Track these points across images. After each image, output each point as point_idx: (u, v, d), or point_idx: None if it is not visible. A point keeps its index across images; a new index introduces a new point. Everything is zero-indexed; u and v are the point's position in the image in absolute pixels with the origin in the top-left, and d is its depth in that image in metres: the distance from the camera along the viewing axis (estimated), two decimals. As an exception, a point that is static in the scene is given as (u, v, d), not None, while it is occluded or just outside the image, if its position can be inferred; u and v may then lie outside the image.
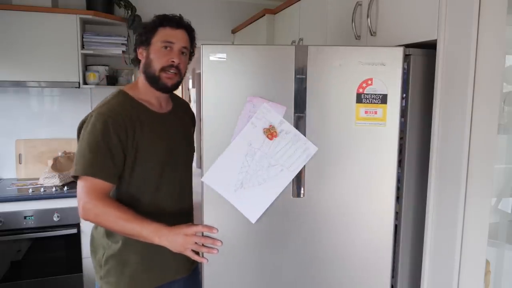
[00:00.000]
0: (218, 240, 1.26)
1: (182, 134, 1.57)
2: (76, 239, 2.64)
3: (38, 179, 2.90)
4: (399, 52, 1.21)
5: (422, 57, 1.27)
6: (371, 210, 1.28)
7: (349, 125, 1.25)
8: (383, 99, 1.24)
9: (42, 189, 2.69)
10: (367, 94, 1.26)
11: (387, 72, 1.23)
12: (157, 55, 1.40)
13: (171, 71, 1.40)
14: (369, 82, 1.26)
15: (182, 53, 1.44)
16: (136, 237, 1.29)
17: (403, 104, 1.28)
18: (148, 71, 1.42)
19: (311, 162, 1.25)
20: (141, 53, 1.45)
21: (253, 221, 1.28)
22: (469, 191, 1.13)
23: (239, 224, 1.29)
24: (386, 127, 1.23)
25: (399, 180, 1.31)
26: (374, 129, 1.25)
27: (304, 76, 1.24)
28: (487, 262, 1.22)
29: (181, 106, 1.65)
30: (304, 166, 1.26)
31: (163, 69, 1.39)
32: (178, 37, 1.43)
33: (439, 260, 1.21)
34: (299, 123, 1.26)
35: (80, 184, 1.32)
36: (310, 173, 1.27)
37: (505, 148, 1.44)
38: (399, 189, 1.31)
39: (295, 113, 1.26)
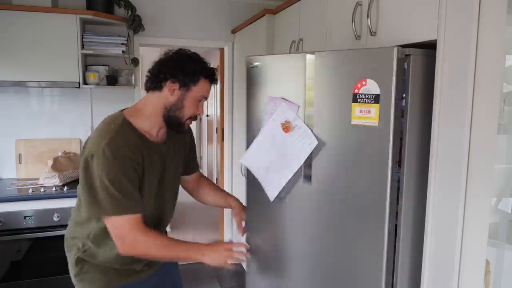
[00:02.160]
0: (247, 252, 1.60)
1: (174, 165, 1.55)
2: (76, 239, 2.64)
3: (38, 179, 2.90)
4: (392, 52, 1.22)
5: (422, 57, 1.27)
6: (366, 204, 1.31)
7: (346, 123, 1.33)
8: (376, 99, 1.27)
9: (42, 189, 2.69)
10: (361, 94, 1.31)
11: (380, 72, 1.26)
12: (192, 104, 1.41)
13: (194, 120, 1.48)
14: (364, 82, 1.30)
15: None
16: (183, 259, 1.42)
17: (404, 104, 1.28)
18: (174, 113, 1.40)
19: (320, 154, 1.41)
20: (173, 89, 1.38)
21: (272, 199, 1.55)
22: (469, 191, 1.13)
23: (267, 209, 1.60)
24: (378, 127, 1.27)
25: (399, 180, 1.31)
26: (367, 128, 1.30)
27: (311, 81, 1.41)
28: (487, 262, 1.23)
29: (175, 135, 1.59)
30: (312, 157, 1.42)
31: (189, 118, 1.44)
32: (210, 92, 1.48)
33: (439, 260, 1.21)
34: (307, 119, 1.44)
35: (116, 222, 1.32)
36: (317, 164, 1.42)
37: (505, 148, 1.44)
38: (399, 189, 1.31)
39: (304, 110, 1.44)
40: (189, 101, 1.40)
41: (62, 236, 2.60)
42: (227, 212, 3.79)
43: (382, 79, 1.26)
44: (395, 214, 1.32)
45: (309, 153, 1.41)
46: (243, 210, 1.76)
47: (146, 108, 1.42)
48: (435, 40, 1.19)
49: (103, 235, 1.40)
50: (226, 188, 3.76)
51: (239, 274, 3.49)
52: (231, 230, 3.75)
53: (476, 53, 1.08)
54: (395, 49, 1.22)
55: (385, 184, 1.29)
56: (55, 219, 2.59)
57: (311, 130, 1.41)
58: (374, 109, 1.29)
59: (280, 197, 1.55)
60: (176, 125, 1.43)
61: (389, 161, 1.27)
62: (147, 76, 1.43)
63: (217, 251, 1.42)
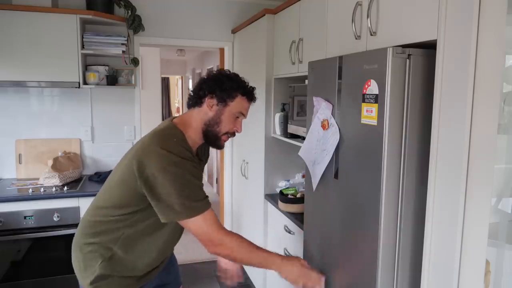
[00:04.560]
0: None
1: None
2: (76, 239, 2.64)
3: (38, 179, 2.90)
4: (388, 52, 1.24)
5: (422, 57, 1.27)
6: (366, 204, 1.31)
7: (358, 122, 1.42)
8: (376, 98, 1.31)
9: (42, 189, 2.69)
10: (367, 94, 1.36)
11: (379, 73, 1.29)
12: (229, 119, 1.47)
13: (230, 137, 1.53)
14: (369, 83, 1.33)
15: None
16: (260, 266, 1.42)
17: (405, 104, 1.28)
18: (212, 128, 1.47)
19: (344, 152, 1.52)
20: (211, 105, 1.46)
21: (314, 189, 1.74)
22: (469, 191, 1.12)
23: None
24: (377, 126, 1.31)
25: (399, 180, 1.31)
26: (370, 127, 1.35)
27: (340, 80, 1.53)
28: (487, 262, 1.23)
29: (204, 152, 1.67)
30: (339, 157, 1.56)
31: (226, 133, 1.50)
32: (247, 110, 1.54)
33: (439, 260, 1.21)
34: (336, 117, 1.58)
35: (196, 222, 1.35)
36: (342, 161, 1.53)
37: (505, 148, 1.44)
38: (399, 189, 1.32)
39: (333, 109, 1.58)
40: (226, 116, 1.46)
41: (62, 236, 2.62)
42: (227, 212, 3.79)
43: (381, 80, 1.28)
44: (394, 215, 1.32)
45: (334, 148, 1.55)
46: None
47: (191, 122, 1.49)
48: (435, 40, 1.19)
49: (134, 240, 1.44)
50: (226, 188, 3.77)
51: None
52: (231, 230, 3.75)
53: (476, 53, 1.08)
54: (389, 50, 1.24)
55: (380, 185, 1.29)
56: (55, 219, 2.59)
57: (339, 129, 1.54)
58: (374, 108, 1.31)
59: (318, 187, 1.72)
60: (214, 140, 1.50)
61: (384, 160, 1.28)
62: (189, 95, 1.53)
63: (293, 265, 1.46)
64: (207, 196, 1.39)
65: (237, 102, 1.47)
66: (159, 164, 1.31)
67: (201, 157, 1.62)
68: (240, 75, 1.54)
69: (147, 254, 1.50)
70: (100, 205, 1.48)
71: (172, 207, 1.32)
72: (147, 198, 1.36)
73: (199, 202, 1.35)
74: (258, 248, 1.43)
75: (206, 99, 1.46)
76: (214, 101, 1.45)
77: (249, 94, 1.50)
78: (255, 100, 1.54)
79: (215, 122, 1.46)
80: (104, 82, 3.07)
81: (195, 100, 1.49)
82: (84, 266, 1.47)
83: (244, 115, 1.51)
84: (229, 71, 1.54)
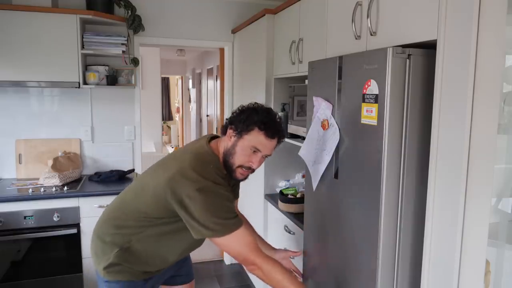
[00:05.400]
0: None
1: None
2: (76, 239, 2.64)
3: (38, 179, 2.90)
4: (387, 52, 1.24)
5: (422, 57, 1.27)
6: (366, 203, 1.30)
7: (358, 122, 1.42)
8: (376, 98, 1.31)
9: (42, 189, 2.69)
10: (367, 94, 1.36)
11: (379, 73, 1.29)
12: (242, 152, 1.45)
13: (247, 171, 1.49)
14: (369, 83, 1.33)
15: (263, 156, 1.49)
16: None
17: (405, 104, 1.28)
18: (228, 158, 1.47)
19: (344, 152, 1.52)
20: (230, 136, 1.48)
21: (314, 189, 1.74)
22: (469, 191, 1.12)
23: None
24: (377, 126, 1.31)
25: (400, 180, 1.31)
26: (369, 126, 1.35)
27: (340, 80, 1.54)
28: (487, 262, 1.22)
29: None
30: (339, 157, 1.56)
31: (240, 166, 1.47)
32: (267, 147, 1.46)
33: (439, 260, 1.21)
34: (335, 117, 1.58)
35: (229, 240, 1.38)
36: (342, 161, 1.54)
37: (505, 148, 1.44)
38: (399, 189, 1.32)
39: (333, 109, 1.59)
40: (240, 148, 1.44)
41: (62, 236, 2.62)
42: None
43: (381, 79, 1.27)
44: (394, 215, 1.32)
45: (334, 148, 1.56)
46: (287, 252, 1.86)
47: (220, 150, 1.52)
48: (435, 40, 1.19)
49: (155, 239, 1.49)
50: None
51: (239, 274, 3.49)
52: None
53: (476, 53, 1.08)
54: (389, 50, 1.24)
55: (380, 185, 1.29)
56: (55, 219, 2.59)
57: (339, 129, 1.55)
58: (374, 108, 1.31)
59: (318, 187, 1.73)
60: (229, 171, 1.49)
61: (384, 160, 1.28)
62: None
63: None
64: (237, 216, 1.42)
65: (253, 136, 1.43)
66: (194, 187, 1.34)
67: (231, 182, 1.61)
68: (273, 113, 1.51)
69: (163, 255, 1.55)
70: (133, 205, 1.52)
71: (205, 225, 1.36)
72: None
73: (231, 220, 1.38)
74: (288, 279, 1.41)
75: (229, 128, 1.48)
76: (233, 131, 1.46)
77: (268, 130, 1.43)
78: (275, 138, 1.46)
79: (230, 153, 1.46)
80: (104, 82, 3.07)
81: (224, 128, 1.52)
82: (101, 252, 1.54)
83: (260, 150, 1.45)
84: (264, 105, 1.51)
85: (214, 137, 1.59)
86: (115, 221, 1.54)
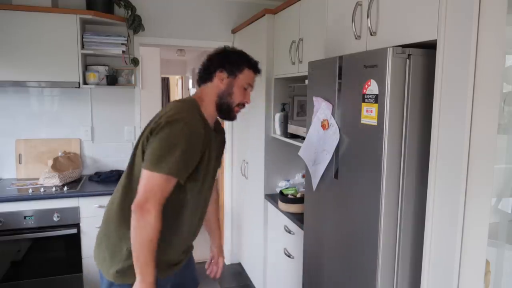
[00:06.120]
0: None
1: (219, 154, 1.66)
2: (76, 239, 2.64)
3: (38, 179, 2.90)
4: (387, 52, 1.24)
5: (422, 57, 1.27)
6: (366, 203, 1.30)
7: (358, 122, 1.42)
8: (376, 98, 1.31)
9: (42, 189, 2.69)
10: (367, 94, 1.36)
11: (379, 73, 1.29)
12: (239, 91, 1.55)
13: (241, 108, 1.60)
14: (369, 83, 1.33)
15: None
16: (135, 262, 1.33)
17: (405, 104, 1.28)
18: (226, 99, 1.54)
19: (344, 152, 1.52)
20: (222, 78, 1.53)
21: (314, 189, 1.76)
22: (469, 191, 1.12)
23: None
24: (377, 126, 1.31)
25: (399, 180, 1.31)
26: (370, 126, 1.35)
27: (340, 80, 1.55)
28: (487, 262, 1.23)
29: (219, 126, 1.69)
30: (339, 157, 1.56)
31: (238, 105, 1.57)
32: (254, 82, 1.62)
33: (439, 260, 1.21)
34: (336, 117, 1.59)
35: (154, 179, 1.33)
36: (342, 161, 1.54)
37: (505, 148, 1.44)
38: (399, 189, 1.31)
39: (333, 109, 1.60)
40: (237, 88, 1.54)
41: (62, 236, 2.62)
42: (228, 212, 3.79)
43: (381, 79, 1.28)
44: (394, 215, 1.32)
45: (334, 148, 1.57)
46: (219, 251, 1.88)
47: (203, 97, 1.55)
48: (435, 40, 1.19)
49: (167, 213, 1.42)
50: (226, 188, 3.76)
51: (239, 274, 3.49)
52: (231, 230, 3.75)
53: (476, 53, 1.08)
54: (389, 50, 1.24)
55: (380, 185, 1.29)
56: (55, 219, 2.59)
57: (339, 129, 1.56)
58: (374, 108, 1.31)
59: (318, 187, 1.74)
60: (228, 111, 1.56)
61: (384, 160, 1.28)
62: (198, 73, 1.60)
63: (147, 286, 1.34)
64: (181, 173, 1.36)
65: (245, 75, 1.55)
66: (175, 126, 1.36)
67: (217, 129, 1.64)
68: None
69: (178, 229, 1.51)
70: (128, 191, 1.48)
71: (149, 152, 1.36)
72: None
73: (164, 164, 1.33)
74: (153, 254, 1.33)
75: (217, 73, 1.53)
76: (224, 74, 1.53)
77: (254, 67, 1.59)
78: (260, 72, 1.63)
79: (227, 94, 1.53)
80: (104, 82, 3.07)
81: (205, 76, 1.56)
82: (111, 255, 1.47)
83: (252, 86, 1.60)
84: (233, 47, 1.63)
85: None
86: (122, 213, 1.47)
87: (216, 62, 1.55)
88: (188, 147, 1.37)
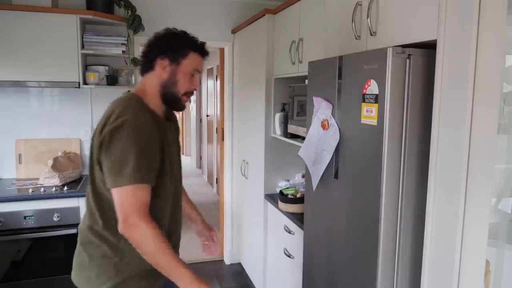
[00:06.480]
0: None
1: (177, 141, 1.58)
2: (76, 239, 2.63)
3: (38, 179, 2.90)
4: (387, 52, 1.24)
5: (422, 57, 1.27)
6: (366, 203, 1.30)
7: (358, 122, 1.42)
8: (376, 98, 1.31)
9: (42, 189, 2.69)
10: (367, 94, 1.36)
11: (379, 73, 1.29)
12: (185, 78, 1.42)
13: (189, 96, 1.46)
14: (369, 83, 1.33)
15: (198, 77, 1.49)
16: (163, 270, 1.28)
17: (405, 104, 1.28)
18: (170, 89, 1.41)
19: (344, 152, 1.52)
20: (164, 66, 1.40)
21: (314, 189, 1.76)
22: (469, 191, 1.13)
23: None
24: (377, 126, 1.31)
25: (399, 180, 1.31)
26: (370, 126, 1.35)
27: (340, 80, 1.54)
28: (487, 262, 1.23)
29: (171, 115, 1.61)
30: (339, 157, 1.56)
31: (185, 93, 1.44)
32: (202, 65, 1.48)
33: (439, 260, 1.21)
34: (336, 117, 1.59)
35: (123, 194, 1.25)
36: (342, 161, 1.55)
37: (505, 148, 1.44)
38: (400, 189, 1.31)
39: (333, 109, 1.60)
40: (181, 76, 1.41)
41: (62, 236, 2.62)
42: (228, 212, 3.79)
43: (381, 79, 1.28)
44: (394, 215, 1.32)
45: (334, 148, 1.57)
46: (206, 228, 1.78)
47: (146, 89, 1.43)
48: (435, 40, 1.19)
49: None
50: (226, 188, 3.76)
51: (239, 274, 3.49)
52: (231, 230, 3.75)
53: (476, 53, 1.08)
54: (389, 50, 1.24)
55: (380, 185, 1.29)
56: (55, 219, 2.59)
57: (339, 129, 1.55)
58: (374, 108, 1.31)
59: (318, 187, 1.73)
60: (174, 102, 1.44)
61: (384, 160, 1.28)
62: (140, 60, 1.46)
63: (195, 284, 1.28)
64: (151, 170, 1.29)
65: (190, 59, 1.41)
66: (120, 132, 1.25)
67: (169, 117, 1.54)
68: (190, 32, 1.46)
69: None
70: (93, 203, 1.40)
71: (115, 172, 1.25)
72: None
73: (125, 176, 1.24)
74: (170, 250, 1.27)
75: (158, 61, 1.40)
76: (166, 61, 1.39)
77: (201, 49, 1.44)
78: (207, 55, 1.48)
79: (171, 83, 1.40)
80: (104, 82, 3.06)
81: (146, 64, 1.43)
82: (97, 275, 1.36)
83: (199, 71, 1.45)
84: (176, 29, 1.46)
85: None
86: (94, 227, 1.39)
87: (156, 48, 1.40)
88: (142, 147, 1.26)
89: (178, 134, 1.62)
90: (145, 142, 1.28)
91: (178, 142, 1.59)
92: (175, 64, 1.40)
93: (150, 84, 1.42)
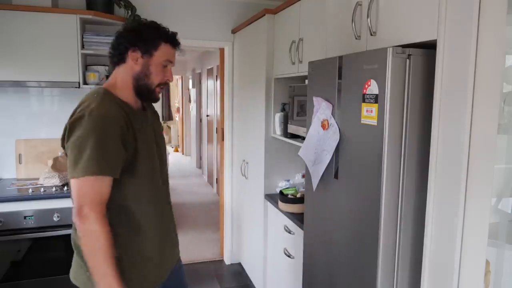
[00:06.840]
0: None
1: (157, 128, 1.56)
2: (76, 239, 2.64)
3: (38, 179, 2.90)
4: (387, 52, 1.24)
5: (422, 57, 1.27)
6: (366, 204, 1.30)
7: (358, 122, 1.42)
8: (376, 98, 1.31)
9: (42, 189, 2.69)
10: (367, 94, 1.36)
11: (379, 73, 1.29)
12: (158, 70, 1.40)
13: (163, 88, 1.45)
14: (369, 83, 1.32)
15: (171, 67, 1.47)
16: (94, 276, 1.23)
17: (405, 104, 1.28)
18: (143, 82, 1.39)
19: (344, 152, 1.52)
20: (135, 58, 1.38)
21: (314, 189, 1.76)
22: (469, 191, 1.13)
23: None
24: (377, 126, 1.31)
25: (399, 180, 1.31)
26: (370, 126, 1.35)
27: (340, 80, 1.54)
28: (487, 262, 1.23)
29: (149, 105, 1.59)
30: (339, 157, 1.56)
31: (159, 85, 1.43)
32: (174, 57, 1.46)
33: (439, 260, 1.21)
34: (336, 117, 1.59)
35: (79, 184, 1.23)
36: (342, 161, 1.55)
37: (505, 148, 1.44)
38: (400, 189, 1.31)
39: (333, 109, 1.60)
40: (154, 67, 1.40)
41: (62, 236, 2.61)
42: (228, 212, 3.79)
43: (381, 79, 1.28)
44: (394, 215, 1.32)
45: (334, 148, 1.57)
46: None
47: (117, 82, 1.41)
48: (435, 40, 1.19)
49: (129, 215, 1.36)
50: (226, 188, 3.76)
51: (239, 274, 3.49)
52: (231, 230, 3.75)
53: (476, 53, 1.08)
54: (389, 50, 1.24)
55: (380, 185, 1.29)
56: (55, 219, 2.58)
57: (339, 129, 1.56)
58: (374, 108, 1.31)
59: (318, 187, 1.73)
60: (147, 94, 1.43)
61: (384, 160, 1.28)
62: (109, 52, 1.44)
63: None
64: (112, 162, 1.25)
65: (162, 51, 1.40)
66: (82, 122, 1.26)
67: (145, 106, 1.53)
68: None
69: (143, 230, 1.39)
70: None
71: (75, 162, 1.23)
72: None
73: (80, 165, 1.21)
74: (112, 258, 1.22)
75: (129, 53, 1.38)
76: (138, 53, 1.37)
77: (172, 40, 1.43)
78: (179, 45, 1.47)
79: (144, 75, 1.39)
80: (104, 82, 3.06)
81: (117, 57, 1.41)
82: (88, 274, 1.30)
83: (172, 62, 1.44)
84: (146, 19, 1.45)
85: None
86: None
87: (127, 40, 1.38)
88: (103, 137, 1.23)
89: (158, 120, 1.61)
90: (106, 131, 1.25)
91: (158, 128, 1.57)
92: (148, 56, 1.38)
93: (121, 77, 1.41)
